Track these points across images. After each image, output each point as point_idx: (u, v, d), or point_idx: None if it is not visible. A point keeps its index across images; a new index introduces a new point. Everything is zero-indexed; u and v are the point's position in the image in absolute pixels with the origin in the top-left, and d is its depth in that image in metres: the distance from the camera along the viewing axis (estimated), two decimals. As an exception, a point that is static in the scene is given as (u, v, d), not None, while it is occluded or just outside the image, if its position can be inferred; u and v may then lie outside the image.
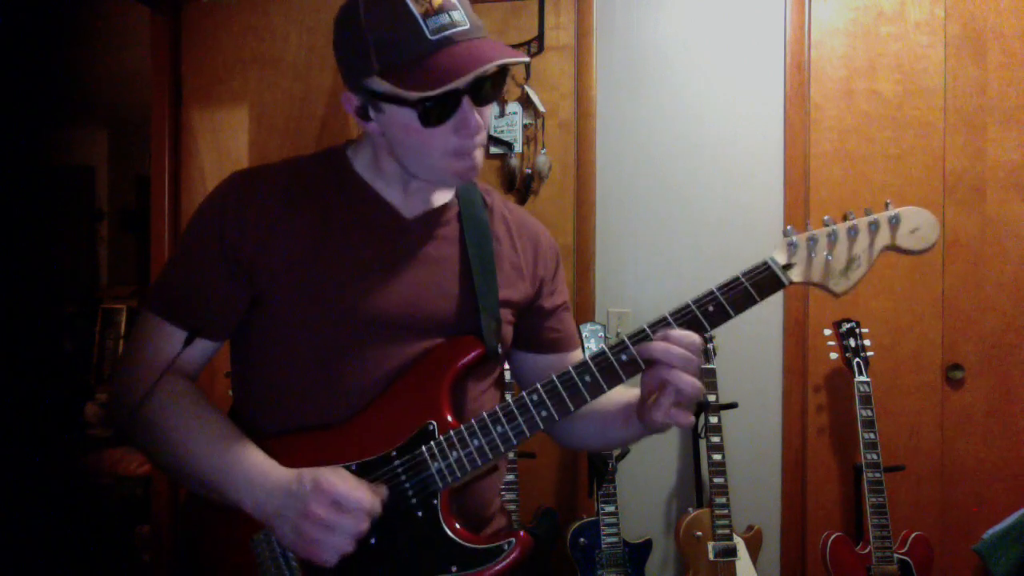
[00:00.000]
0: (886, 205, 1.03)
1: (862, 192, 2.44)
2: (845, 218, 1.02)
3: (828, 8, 2.46)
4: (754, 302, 1.01)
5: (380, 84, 0.99)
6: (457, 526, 1.02)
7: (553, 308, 1.23)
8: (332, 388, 1.06)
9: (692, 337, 0.99)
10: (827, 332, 2.33)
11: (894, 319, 2.41)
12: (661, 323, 1.01)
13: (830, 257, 1.01)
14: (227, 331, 1.12)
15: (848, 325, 2.30)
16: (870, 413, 2.22)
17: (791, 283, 1.02)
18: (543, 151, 2.57)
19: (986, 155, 2.38)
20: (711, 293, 1.01)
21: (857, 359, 2.27)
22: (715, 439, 2.29)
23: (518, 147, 2.57)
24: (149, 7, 2.86)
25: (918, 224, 1.01)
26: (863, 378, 2.24)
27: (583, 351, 1.94)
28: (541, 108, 2.56)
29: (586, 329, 2.35)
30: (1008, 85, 2.37)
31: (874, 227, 1.01)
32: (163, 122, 2.86)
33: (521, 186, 2.57)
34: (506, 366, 1.27)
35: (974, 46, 2.39)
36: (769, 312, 2.48)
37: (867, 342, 2.29)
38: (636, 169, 2.56)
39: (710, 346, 2.36)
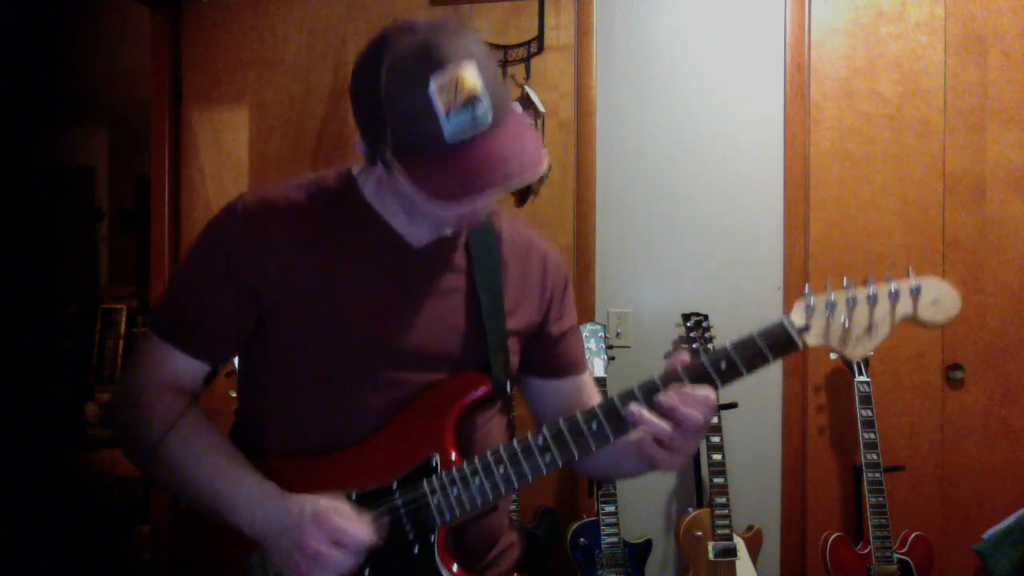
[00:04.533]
0: (908, 273, 1.00)
1: (862, 192, 2.44)
2: (865, 282, 1.00)
3: (828, 8, 2.46)
4: (767, 362, 0.99)
5: (391, 158, 0.96)
6: (454, 567, 1.01)
7: (561, 334, 1.21)
8: (336, 416, 1.06)
9: (706, 398, 0.97)
10: (827, 332, 2.32)
11: (894, 319, 2.41)
12: (672, 376, 0.99)
13: (847, 323, 0.99)
14: (231, 355, 1.13)
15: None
16: (870, 413, 2.22)
17: (807, 347, 0.99)
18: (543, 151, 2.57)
19: (986, 155, 2.38)
20: (724, 351, 0.99)
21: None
22: (715, 439, 2.29)
23: (518, 147, 2.57)
24: (149, 7, 2.86)
25: (938, 296, 0.98)
26: (863, 378, 2.24)
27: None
28: (541, 108, 2.55)
29: (586, 329, 2.35)
30: (1008, 85, 2.37)
31: (894, 296, 0.99)
32: (163, 122, 2.86)
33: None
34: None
35: (974, 46, 2.39)
36: (769, 312, 2.46)
37: (867, 342, 2.28)
38: (636, 169, 2.56)
39: (710, 346, 2.36)
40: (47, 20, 3.39)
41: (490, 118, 0.93)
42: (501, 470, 1.00)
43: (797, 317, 1.00)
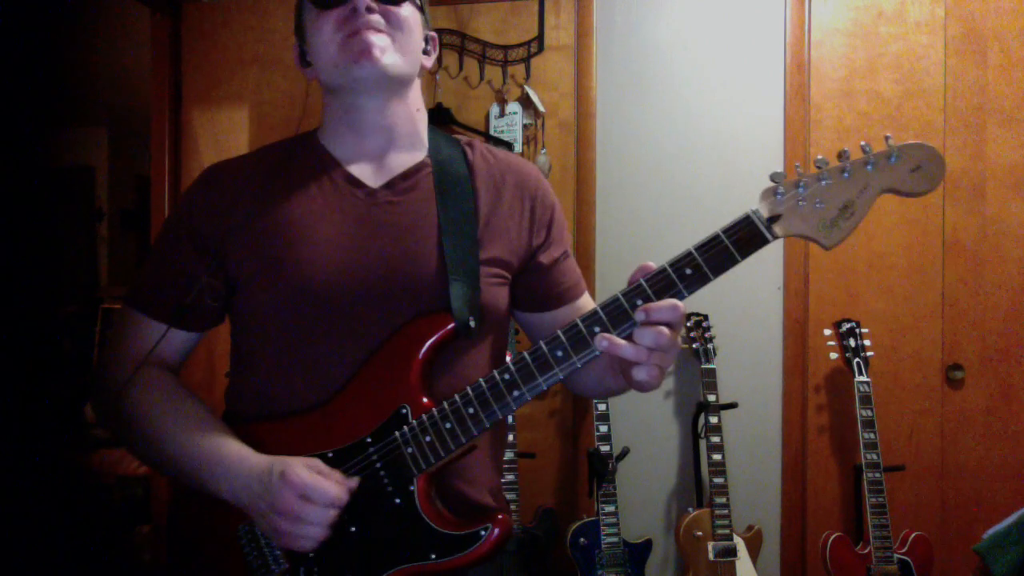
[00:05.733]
0: (885, 139, 0.91)
1: (862, 192, 2.44)
2: (840, 158, 0.91)
3: (828, 8, 2.46)
4: (735, 262, 0.93)
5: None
6: (435, 512, 1.01)
7: (552, 261, 1.18)
8: (307, 371, 1.04)
9: (673, 308, 0.91)
10: (827, 332, 2.33)
11: (894, 319, 2.41)
12: (635, 291, 0.94)
13: (820, 205, 0.90)
14: (203, 322, 1.12)
15: (848, 325, 2.30)
16: (870, 413, 2.21)
17: (776, 238, 0.92)
18: (543, 151, 2.57)
19: (986, 155, 2.38)
20: (688, 254, 0.94)
21: (857, 359, 2.26)
22: (715, 439, 2.29)
23: (518, 147, 2.57)
24: (149, 7, 2.85)
25: (920, 161, 0.89)
26: (863, 378, 2.24)
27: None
28: (541, 108, 2.56)
29: (586, 329, 2.35)
30: (1008, 85, 2.37)
31: (870, 167, 0.89)
32: (163, 122, 2.86)
33: (521, 186, 2.56)
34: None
35: (974, 46, 2.39)
36: (769, 312, 2.48)
37: (867, 342, 2.29)
38: (636, 169, 2.56)
39: (710, 346, 2.36)
40: (47, 20, 3.39)
41: None
42: (470, 410, 0.99)
43: (764, 207, 0.92)
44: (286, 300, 1.04)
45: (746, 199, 2.81)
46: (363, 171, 1.11)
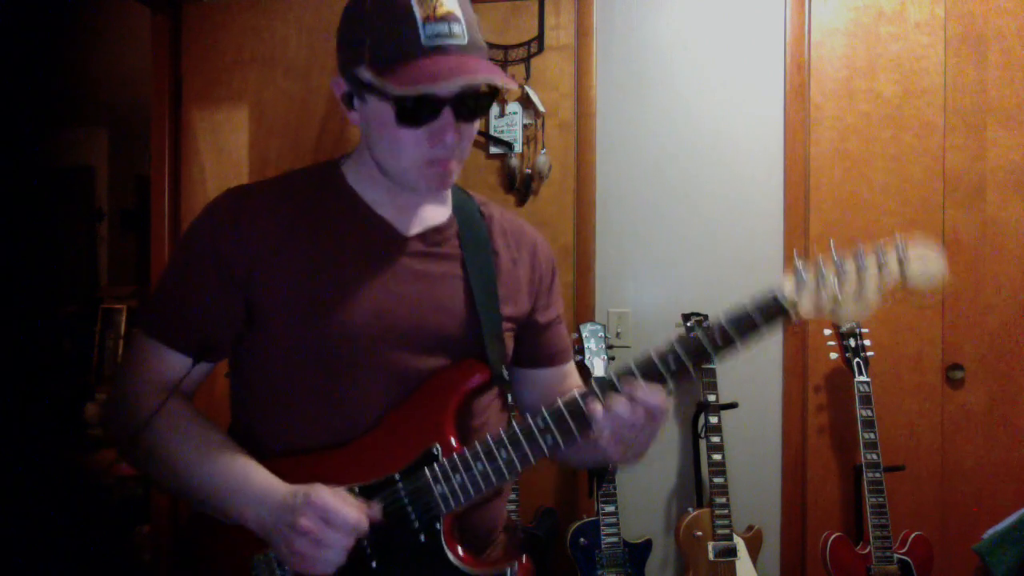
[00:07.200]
0: (895, 240, 1.02)
1: (862, 192, 2.44)
2: (854, 252, 1.02)
3: (828, 8, 2.46)
4: (760, 335, 1.01)
5: (366, 74, 1.01)
6: (460, 551, 1.02)
7: (548, 322, 1.23)
8: (334, 409, 1.05)
9: (655, 395, 0.99)
10: (827, 332, 2.32)
11: (894, 319, 2.41)
12: (669, 351, 1.01)
13: (839, 293, 1.01)
14: (224, 352, 1.11)
15: (848, 325, 2.30)
16: (870, 413, 2.22)
17: (799, 317, 1.02)
18: (543, 151, 2.57)
19: (986, 155, 2.38)
20: (719, 326, 1.01)
21: (857, 359, 2.26)
22: (715, 439, 2.29)
23: (518, 147, 2.57)
24: (149, 7, 2.85)
25: (926, 264, 1.02)
26: (863, 378, 2.24)
27: (583, 352, 1.94)
28: (541, 108, 2.56)
29: (586, 329, 2.35)
30: (1008, 85, 2.37)
31: (882, 264, 1.01)
32: (163, 122, 2.86)
33: (521, 186, 2.57)
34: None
35: (974, 46, 2.39)
36: (769, 312, 2.47)
37: (867, 342, 2.29)
38: (636, 169, 2.56)
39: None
40: (47, 20, 3.39)
41: (465, 40, 0.99)
42: (503, 454, 1.01)
43: (787, 288, 1.02)
44: (318, 343, 1.04)
45: (746, 199, 2.81)
46: (394, 218, 1.11)
